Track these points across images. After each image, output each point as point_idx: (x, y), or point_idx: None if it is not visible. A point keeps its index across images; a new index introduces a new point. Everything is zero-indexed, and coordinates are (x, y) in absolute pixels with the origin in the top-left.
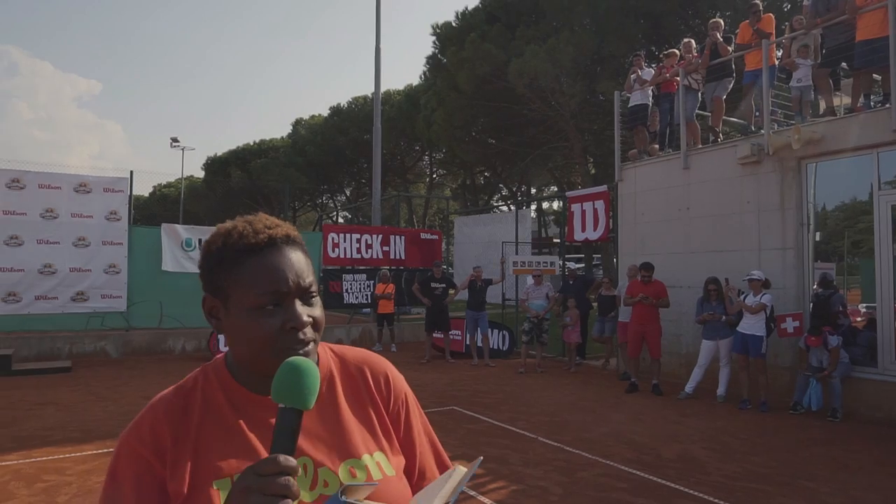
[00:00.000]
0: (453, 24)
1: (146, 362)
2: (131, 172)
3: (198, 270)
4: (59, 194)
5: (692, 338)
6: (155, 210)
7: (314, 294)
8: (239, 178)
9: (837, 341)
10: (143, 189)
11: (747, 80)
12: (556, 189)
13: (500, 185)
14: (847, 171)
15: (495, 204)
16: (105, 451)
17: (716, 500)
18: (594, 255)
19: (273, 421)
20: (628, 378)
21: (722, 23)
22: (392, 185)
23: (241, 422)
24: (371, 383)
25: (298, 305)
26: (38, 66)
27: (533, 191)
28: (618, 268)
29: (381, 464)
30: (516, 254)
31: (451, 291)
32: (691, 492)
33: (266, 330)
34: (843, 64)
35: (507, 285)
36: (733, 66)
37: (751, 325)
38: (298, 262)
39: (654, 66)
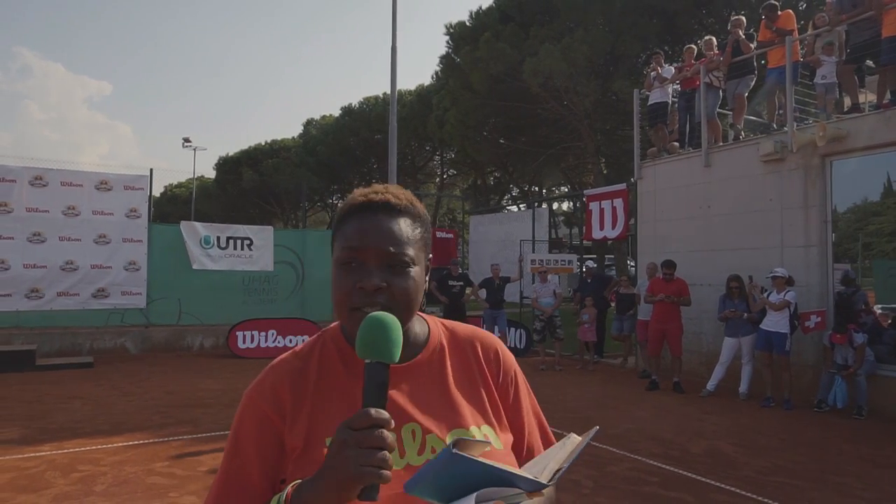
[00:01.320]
0: (467, 24)
1: (165, 358)
2: (151, 170)
3: (216, 268)
4: (80, 192)
5: (713, 336)
6: (166, 209)
7: (404, 263)
8: (250, 178)
9: (863, 339)
10: (153, 189)
11: (770, 77)
12: (567, 189)
13: (511, 186)
14: (859, 173)
15: (506, 204)
16: (135, 443)
17: (749, 495)
18: (606, 256)
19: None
20: (648, 376)
21: (744, 20)
22: (403, 185)
23: (354, 383)
24: (482, 358)
25: (377, 269)
26: (51, 67)
27: (544, 191)
28: (636, 266)
29: (488, 436)
30: (533, 252)
31: (469, 290)
32: (723, 486)
33: (342, 284)
34: (869, 61)
35: (525, 283)
36: (755, 64)
37: (775, 322)
38: (389, 228)
39: (674, 64)
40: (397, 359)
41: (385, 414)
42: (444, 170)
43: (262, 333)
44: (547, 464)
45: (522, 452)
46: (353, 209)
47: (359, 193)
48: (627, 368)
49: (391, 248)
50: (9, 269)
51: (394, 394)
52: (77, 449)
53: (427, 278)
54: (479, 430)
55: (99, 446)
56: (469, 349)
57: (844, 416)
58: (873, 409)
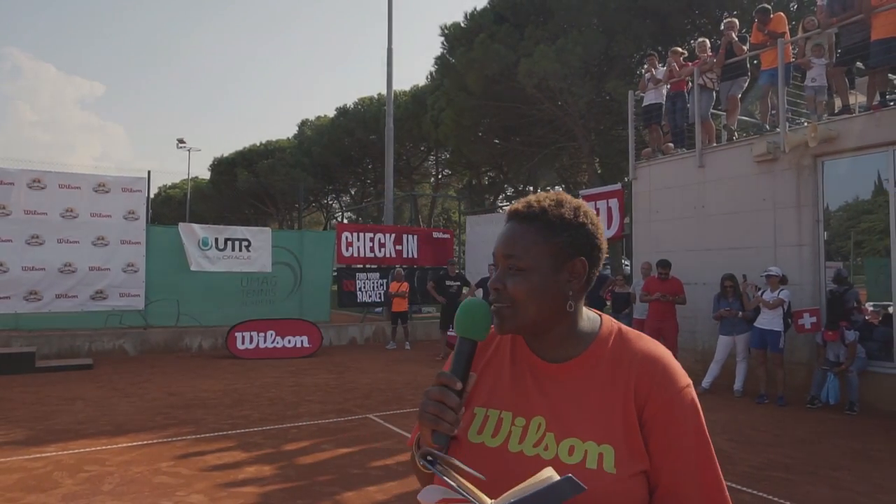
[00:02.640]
0: (462, 25)
1: (164, 360)
2: (149, 172)
3: (214, 269)
4: (78, 194)
5: (707, 334)
6: (160, 211)
7: (515, 268)
8: (245, 179)
9: (855, 336)
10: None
11: (763, 79)
12: (562, 189)
13: (506, 186)
14: (850, 172)
15: (500, 204)
16: (140, 443)
17: (745, 489)
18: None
19: (527, 384)
20: None
21: (737, 22)
22: (398, 185)
23: (511, 369)
24: (634, 373)
25: (502, 272)
26: (42, 68)
27: (539, 191)
28: (631, 266)
29: (603, 456)
30: None
31: (466, 289)
32: (727, 483)
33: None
34: (859, 63)
35: None
36: (748, 65)
37: (769, 320)
38: (510, 236)
39: (666, 65)
40: (483, 338)
41: (452, 378)
42: (440, 170)
43: (261, 334)
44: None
45: (657, 490)
46: (507, 216)
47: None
48: None
49: (505, 254)
50: (7, 271)
51: (536, 387)
52: (82, 449)
53: (576, 280)
54: (597, 447)
55: (104, 447)
56: (627, 360)
57: (837, 412)
58: (865, 404)
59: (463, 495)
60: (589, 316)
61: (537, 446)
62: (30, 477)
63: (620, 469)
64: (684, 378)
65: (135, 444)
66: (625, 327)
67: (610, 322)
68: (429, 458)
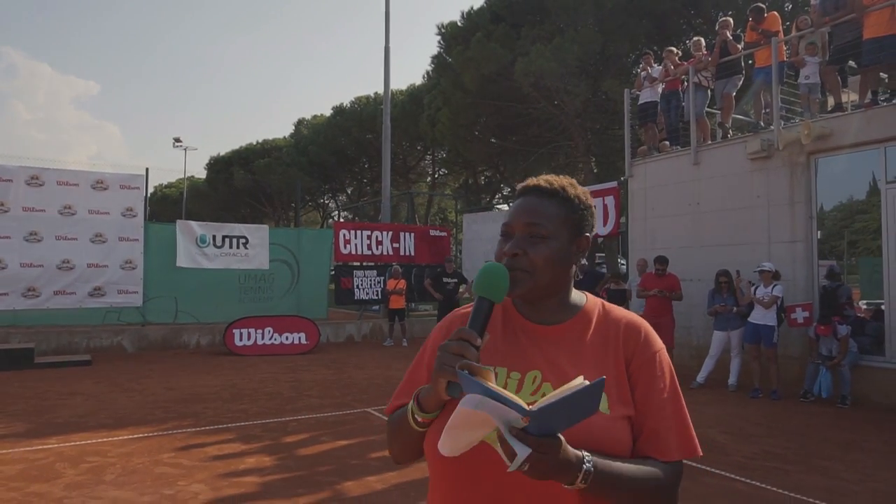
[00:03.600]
0: (459, 24)
1: (163, 356)
2: (147, 170)
3: (212, 266)
4: (76, 191)
5: (702, 329)
6: (156, 209)
7: (538, 234)
8: (242, 178)
9: (846, 330)
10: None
11: (756, 77)
12: None
13: (502, 185)
14: (845, 172)
15: (497, 203)
16: (140, 436)
17: (739, 478)
18: (597, 254)
19: (526, 343)
20: None
21: (731, 21)
22: (394, 185)
23: (503, 331)
24: (621, 336)
25: (519, 240)
26: (37, 67)
27: None
28: (627, 264)
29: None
30: None
31: (463, 287)
32: (714, 470)
33: (498, 251)
34: (851, 61)
35: None
36: (742, 64)
37: (762, 315)
38: (535, 205)
39: (661, 64)
40: (500, 300)
41: (472, 333)
42: (436, 169)
43: (259, 331)
44: (542, 398)
45: (643, 432)
46: (519, 192)
47: (526, 181)
48: None
49: (530, 222)
50: (6, 268)
51: (531, 345)
52: (83, 442)
53: (580, 254)
54: None
55: (105, 439)
56: (614, 325)
57: (829, 406)
58: (857, 398)
59: (502, 396)
60: (576, 291)
61: (534, 395)
62: (32, 468)
63: (613, 411)
64: (660, 342)
65: (135, 436)
66: (607, 303)
67: (594, 297)
68: (465, 371)
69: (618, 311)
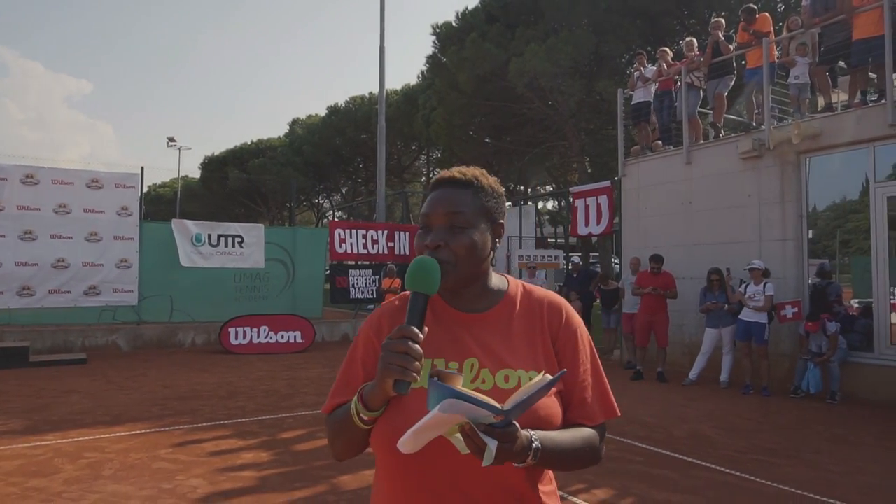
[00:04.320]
0: (453, 24)
1: (158, 355)
2: (142, 169)
3: (207, 265)
4: (71, 190)
5: (695, 327)
6: (150, 209)
7: (458, 225)
8: (236, 178)
9: (836, 327)
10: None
11: (748, 77)
12: (552, 188)
13: None
14: (838, 172)
15: None
16: (137, 432)
17: (728, 471)
18: (591, 254)
19: (459, 332)
20: (633, 367)
21: (723, 22)
22: (389, 184)
23: (434, 323)
24: (545, 314)
25: (439, 230)
26: (29, 66)
27: (529, 190)
28: (621, 263)
29: (532, 380)
30: (520, 248)
31: None
32: (703, 463)
33: (417, 245)
34: (841, 62)
35: None
36: (734, 64)
37: (753, 312)
38: (452, 196)
39: (655, 64)
40: (433, 293)
41: (414, 330)
42: (431, 169)
43: (254, 329)
44: (513, 396)
45: (573, 403)
46: (433, 185)
47: (439, 174)
48: (610, 360)
49: (450, 212)
50: (0, 266)
51: (464, 334)
52: (81, 438)
53: (496, 241)
54: (526, 374)
55: (102, 435)
56: (537, 306)
57: (818, 401)
58: (846, 394)
59: (474, 398)
60: (497, 275)
61: (475, 381)
62: (31, 463)
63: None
64: (578, 317)
65: (133, 432)
66: (527, 283)
67: (515, 280)
68: (435, 378)
69: (538, 290)
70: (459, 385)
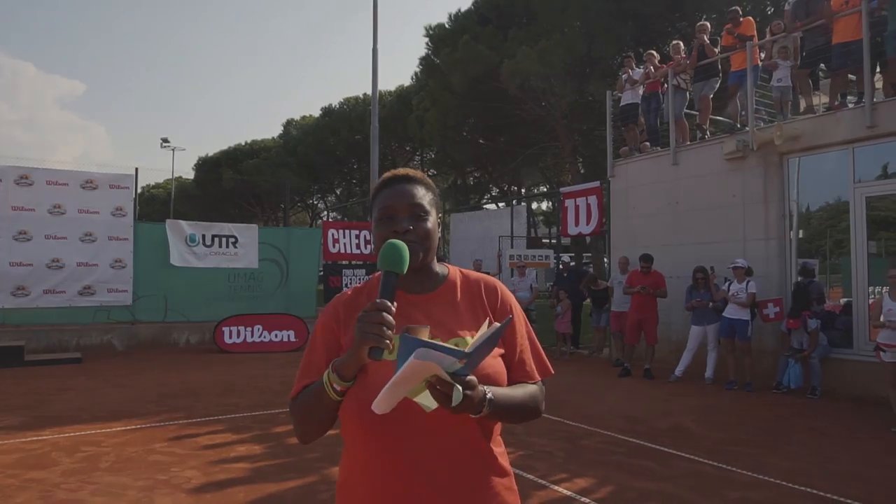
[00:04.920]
0: (446, 26)
1: (153, 354)
2: (136, 169)
3: (202, 265)
4: (66, 190)
5: (681, 325)
6: (144, 210)
7: (423, 213)
8: (231, 179)
9: (816, 324)
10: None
11: (732, 80)
12: (546, 188)
13: (491, 186)
14: (823, 173)
15: (485, 203)
16: (133, 427)
17: (706, 461)
18: (584, 254)
19: (410, 311)
20: (621, 364)
21: (709, 25)
22: None
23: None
24: (483, 292)
25: (405, 218)
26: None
27: (523, 190)
28: (610, 260)
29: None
30: (512, 248)
31: None
32: (683, 454)
33: (382, 231)
34: (822, 65)
35: (504, 278)
36: (719, 67)
37: (736, 310)
38: (410, 190)
39: (643, 66)
40: (404, 271)
41: (387, 303)
42: (425, 170)
43: (248, 328)
44: (470, 343)
45: (513, 363)
46: (386, 182)
47: (388, 174)
48: (599, 358)
49: (414, 203)
50: None
51: (417, 312)
52: (78, 433)
53: (440, 229)
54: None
55: (98, 430)
56: (475, 286)
57: (799, 396)
58: (827, 389)
59: (441, 346)
60: (438, 263)
61: None
62: (29, 457)
63: (494, 353)
64: (509, 293)
65: (128, 428)
66: (462, 269)
67: (452, 266)
68: (406, 333)
69: (473, 274)
70: (426, 337)
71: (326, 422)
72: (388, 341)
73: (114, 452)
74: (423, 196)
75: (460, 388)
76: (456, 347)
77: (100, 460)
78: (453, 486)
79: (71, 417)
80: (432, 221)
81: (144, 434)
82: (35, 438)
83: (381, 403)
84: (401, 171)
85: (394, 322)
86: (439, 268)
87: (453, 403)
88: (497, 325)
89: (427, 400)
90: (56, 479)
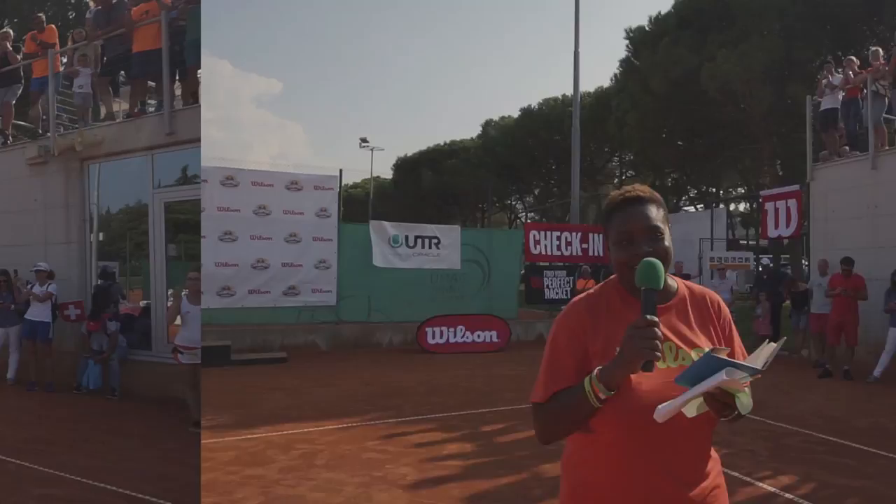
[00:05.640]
0: (646, 28)
1: (356, 354)
2: (340, 171)
3: (405, 266)
4: (271, 191)
5: (879, 327)
6: (343, 210)
7: (659, 234)
8: (429, 179)
9: (116, 326)
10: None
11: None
12: (742, 190)
13: (689, 187)
14: (130, 176)
15: (683, 205)
16: (344, 426)
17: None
18: (782, 255)
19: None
20: (821, 365)
21: None
22: (581, 186)
23: (630, 314)
24: (709, 305)
25: (644, 241)
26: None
27: (721, 192)
28: (809, 264)
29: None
30: (712, 250)
31: None
32: (882, 452)
33: (622, 254)
34: (123, 72)
35: (704, 280)
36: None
37: (39, 311)
38: (646, 212)
39: (841, 71)
40: (661, 287)
41: (656, 319)
42: (624, 171)
43: (451, 329)
44: (756, 361)
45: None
46: (617, 205)
47: (617, 194)
48: (800, 359)
49: (652, 227)
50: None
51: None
52: (290, 431)
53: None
54: (708, 346)
55: (311, 429)
56: (701, 299)
57: (100, 397)
58: (126, 389)
59: (743, 364)
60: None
61: (677, 360)
62: (245, 454)
63: None
64: (721, 299)
65: (340, 426)
66: (687, 281)
67: (678, 279)
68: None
69: (696, 287)
70: (724, 356)
71: (578, 426)
72: (659, 354)
73: (328, 450)
74: (657, 215)
75: (750, 398)
76: (752, 365)
77: (315, 457)
78: (695, 482)
79: (281, 416)
80: (668, 239)
81: (356, 432)
82: (249, 436)
83: (668, 412)
84: (631, 191)
85: (662, 336)
86: (671, 282)
87: (744, 412)
88: (774, 345)
89: (692, 408)
90: (274, 476)
